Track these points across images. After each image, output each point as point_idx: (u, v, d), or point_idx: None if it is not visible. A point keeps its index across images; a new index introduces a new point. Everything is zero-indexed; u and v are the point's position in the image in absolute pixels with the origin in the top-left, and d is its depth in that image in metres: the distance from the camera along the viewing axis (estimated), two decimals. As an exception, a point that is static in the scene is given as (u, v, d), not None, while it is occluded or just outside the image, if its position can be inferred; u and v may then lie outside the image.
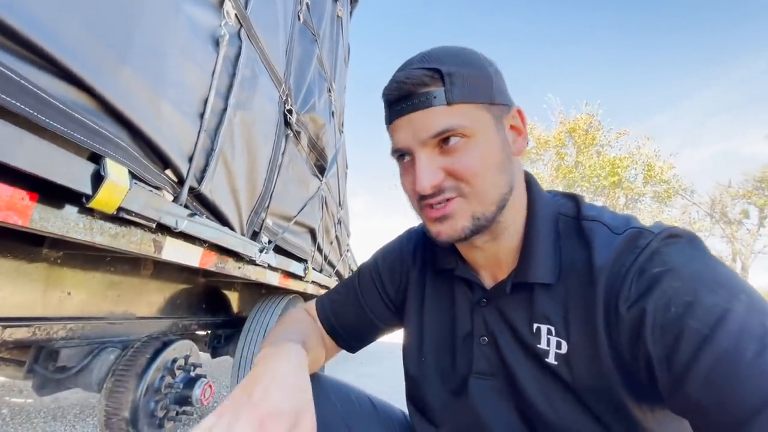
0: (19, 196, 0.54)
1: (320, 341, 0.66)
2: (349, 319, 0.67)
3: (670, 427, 0.44)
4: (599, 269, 0.43)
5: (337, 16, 2.45)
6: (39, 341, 0.99)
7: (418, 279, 0.61)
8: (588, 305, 0.44)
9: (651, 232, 0.43)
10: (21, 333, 0.93)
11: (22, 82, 0.49)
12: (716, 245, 17.10)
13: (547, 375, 0.46)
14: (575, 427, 0.45)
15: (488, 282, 0.53)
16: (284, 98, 1.45)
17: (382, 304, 0.65)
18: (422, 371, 0.58)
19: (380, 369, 3.69)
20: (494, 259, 0.52)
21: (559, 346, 0.46)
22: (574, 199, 0.52)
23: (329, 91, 2.25)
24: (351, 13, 3.07)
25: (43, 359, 1.04)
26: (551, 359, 0.46)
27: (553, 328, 0.46)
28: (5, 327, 0.89)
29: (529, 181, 0.53)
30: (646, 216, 15.20)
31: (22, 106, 0.49)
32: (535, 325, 0.47)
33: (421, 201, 0.48)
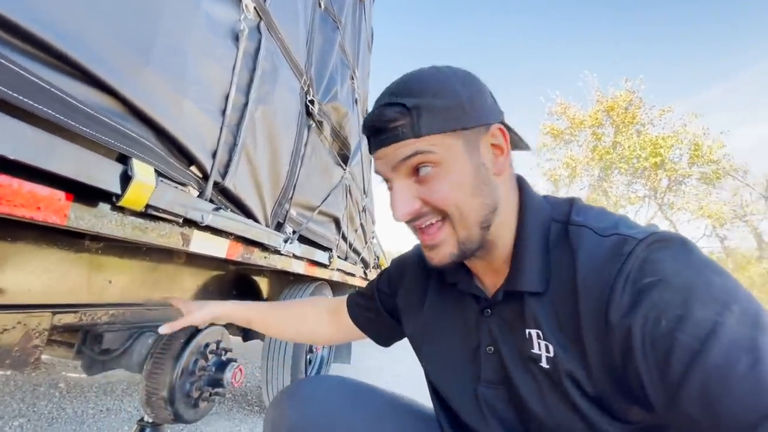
0: (57, 197, 0.58)
1: (311, 317, 0.81)
2: (368, 311, 0.74)
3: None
4: (583, 278, 0.44)
5: (360, 0, 2.40)
6: (85, 326, 1.08)
7: (421, 290, 0.64)
8: (574, 313, 0.44)
9: (634, 238, 0.42)
10: (68, 318, 1.02)
11: (51, 89, 0.51)
12: (769, 230, 15.90)
13: (542, 379, 0.48)
14: (571, 429, 0.46)
15: (491, 291, 0.55)
16: (305, 89, 1.46)
17: (392, 303, 0.71)
18: (438, 379, 0.61)
19: (405, 354, 3.75)
20: (492, 268, 0.54)
21: (547, 350, 0.47)
22: (569, 204, 0.52)
23: (352, 78, 2.24)
24: (374, -4, 3.00)
25: (89, 342, 1.13)
26: (544, 363, 0.47)
27: (540, 332, 0.47)
28: (55, 313, 0.97)
29: (522, 188, 0.53)
30: (692, 199, 14.26)
31: (52, 113, 0.52)
32: (528, 331, 0.49)
33: (408, 225, 0.51)
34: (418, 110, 0.46)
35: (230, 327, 2.03)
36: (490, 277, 0.55)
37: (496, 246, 0.51)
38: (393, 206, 0.48)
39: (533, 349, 0.48)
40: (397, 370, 3.05)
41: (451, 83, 0.47)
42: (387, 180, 0.51)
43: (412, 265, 0.68)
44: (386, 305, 0.71)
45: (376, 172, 0.52)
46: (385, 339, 0.75)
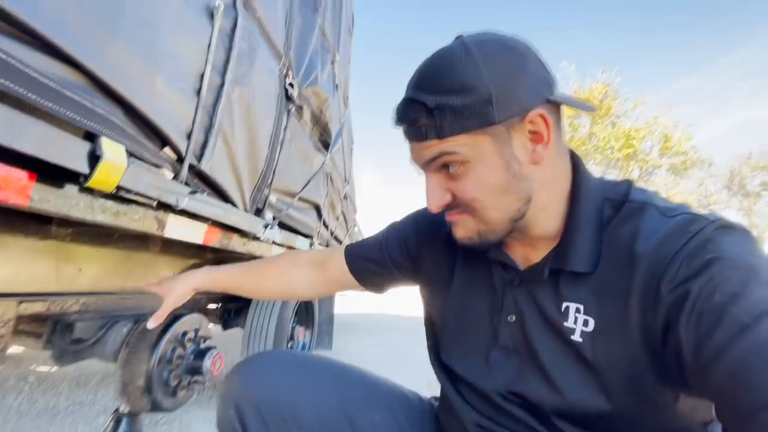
0: (17, 176, 0.54)
1: (305, 271, 0.77)
2: (368, 262, 0.72)
3: (686, 417, 0.44)
4: (643, 250, 0.43)
5: (340, -18, 2.35)
6: (54, 315, 1.03)
7: (447, 252, 0.63)
8: (625, 285, 0.44)
9: (706, 218, 0.42)
10: (36, 307, 0.97)
11: (12, 62, 0.48)
12: (732, 218, 16.78)
13: (569, 353, 0.47)
14: (586, 403, 0.46)
15: (521, 262, 0.54)
16: (285, 72, 1.42)
17: (401, 259, 0.69)
18: (446, 339, 0.60)
19: (385, 339, 3.79)
20: (528, 243, 0.53)
21: (586, 323, 0.46)
22: (626, 184, 0.51)
23: (333, 62, 2.20)
24: (355, -22, 2.93)
25: (59, 332, 1.09)
26: (576, 336, 0.46)
27: (582, 307, 0.47)
28: (20, 302, 0.93)
29: (576, 166, 0.52)
30: (661, 189, 14.88)
31: (13, 86, 0.49)
32: (564, 304, 0.48)
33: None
34: (440, 111, 0.44)
35: (210, 314, 2.00)
36: (524, 250, 0.54)
37: (534, 226, 0.50)
38: (427, 198, 0.50)
39: (566, 322, 0.47)
40: (378, 356, 3.09)
41: (480, 74, 0.43)
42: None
43: (441, 228, 0.65)
44: (395, 257, 0.69)
45: (411, 160, 0.52)
46: (380, 287, 0.74)
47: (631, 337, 0.43)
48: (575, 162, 0.52)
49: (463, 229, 0.50)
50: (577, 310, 0.47)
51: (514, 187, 0.47)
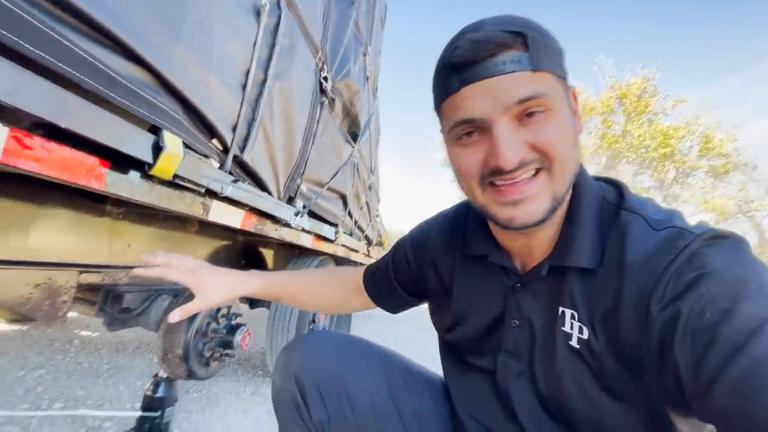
0: (97, 164, 0.62)
1: (334, 288, 0.80)
2: (382, 285, 0.75)
3: (694, 424, 0.44)
4: (630, 265, 0.42)
5: (375, -26, 2.36)
6: (106, 285, 1.14)
7: (446, 262, 0.63)
8: (613, 299, 0.43)
9: (692, 232, 0.41)
10: (92, 278, 1.08)
11: (98, 64, 0.55)
12: (775, 227, 15.87)
13: (569, 358, 0.47)
14: (591, 411, 0.46)
15: (520, 268, 0.54)
16: (320, 65, 1.47)
17: (408, 278, 0.71)
18: (454, 348, 0.62)
19: (400, 330, 3.86)
20: (528, 247, 0.52)
21: (581, 331, 0.45)
22: (618, 187, 0.50)
23: (364, 55, 2.23)
24: (390, -31, 2.93)
25: (110, 301, 1.20)
26: (574, 342, 0.46)
27: (576, 314, 0.46)
28: (81, 272, 1.03)
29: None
30: (698, 192, 14.19)
31: (97, 86, 0.56)
32: (561, 309, 0.48)
33: (485, 180, 0.45)
34: (536, 43, 0.41)
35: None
36: (523, 256, 0.53)
37: (552, 218, 0.47)
38: (501, 150, 0.41)
39: (564, 326, 0.47)
40: (394, 343, 3.17)
41: (551, 32, 0.44)
42: (477, 124, 0.43)
43: (437, 238, 0.66)
44: (401, 278, 0.71)
45: (466, 114, 0.43)
46: (394, 308, 0.77)
47: (623, 352, 0.42)
48: None
49: (534, 201, 0.43)
50: (572, 317, 0.46)
51: (576, 146, 0.45)
